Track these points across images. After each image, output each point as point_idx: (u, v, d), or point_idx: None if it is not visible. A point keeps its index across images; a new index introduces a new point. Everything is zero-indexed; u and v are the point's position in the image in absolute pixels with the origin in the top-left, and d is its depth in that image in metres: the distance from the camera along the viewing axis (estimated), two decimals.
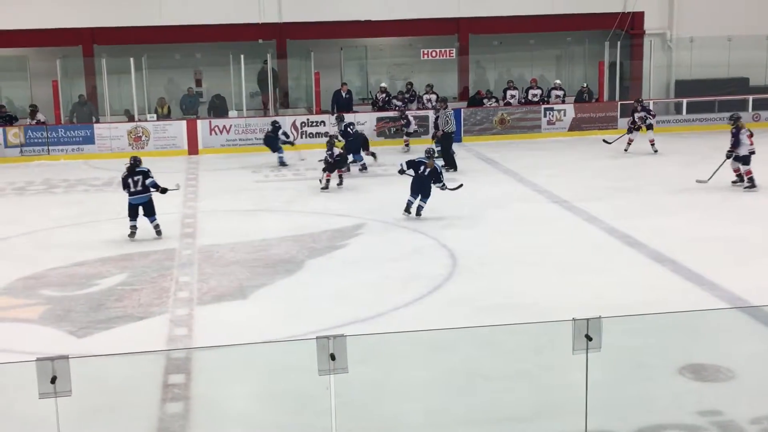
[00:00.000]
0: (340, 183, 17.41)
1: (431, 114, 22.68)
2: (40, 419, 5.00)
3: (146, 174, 13.50)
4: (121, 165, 20.08)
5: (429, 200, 14.41)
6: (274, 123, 20.64)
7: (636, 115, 20.99)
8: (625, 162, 19.81)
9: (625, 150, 20.79)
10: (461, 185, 15.19)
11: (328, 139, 17.96)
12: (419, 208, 14.29)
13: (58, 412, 4.75)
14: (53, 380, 4.56)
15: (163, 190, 13.64)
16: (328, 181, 17.09)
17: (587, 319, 5.08)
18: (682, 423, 7.00)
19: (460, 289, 10.81)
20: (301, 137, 22.42)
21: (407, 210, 14.28)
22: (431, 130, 21.85)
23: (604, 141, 21.27)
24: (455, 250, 12.49)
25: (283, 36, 24.87)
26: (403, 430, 7.04)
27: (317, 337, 4.90)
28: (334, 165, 17.08)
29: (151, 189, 13.47)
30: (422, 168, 14.27)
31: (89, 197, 17.33)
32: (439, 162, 15.60)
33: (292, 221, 14.63)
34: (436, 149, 16.24)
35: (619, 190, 16.54)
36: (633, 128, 20.90)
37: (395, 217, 14.52)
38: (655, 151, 20.58)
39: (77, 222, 15.00)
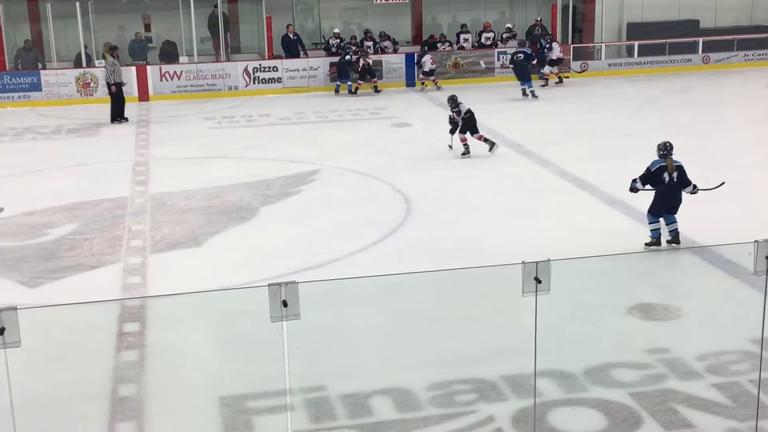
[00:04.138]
0: (377, 90, 21.72)
1: (384, 58, 22.72)
2: None
3: None
4: (70, 112, 19.99)
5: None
6: (524, 52, 21.08)
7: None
8: (578, 106, 19.92)
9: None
10: (723, 183, 10.78)
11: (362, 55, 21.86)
12: (675, 233, 9.97)
13: (7, 363, 4.72)
14: (1, 331, 4.51)
15: None
16: (357, 88, 21.53)
17: (536, 262, 5.15)
18: (630, 361, 7.16)
19: (414, 234, 10.86)
20: (254, 83, 22.17)
21: (657, 242, 10.00)
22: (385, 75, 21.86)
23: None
24: (409, 195, 12.53)
25: None
26: (357, 374, 7.13)
27: (269, 285, 4.90)
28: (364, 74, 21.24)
29: None
30: (665, 175, 9.94)
31: (38, 145, 17.03)
32: None
33: (246, 168, 14.54)
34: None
35: (572, 133, 16.65)
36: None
37: (349, 162, 14.52)
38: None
39: (26, 171, 14.75)
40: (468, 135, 14.69)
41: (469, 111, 14.71)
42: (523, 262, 5.20)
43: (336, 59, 22.64)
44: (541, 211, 11.65)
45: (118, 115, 19.00)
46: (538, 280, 5.16)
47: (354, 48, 22.98)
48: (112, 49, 19.50)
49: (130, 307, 8.46)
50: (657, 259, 9.72)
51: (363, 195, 12.75)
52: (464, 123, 14.66)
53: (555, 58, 22.60)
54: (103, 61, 19.73)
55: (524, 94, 20.79)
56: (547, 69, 22.55)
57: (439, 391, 6.74)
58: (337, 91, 22.06)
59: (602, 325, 8.02)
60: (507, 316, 7.57)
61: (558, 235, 10.51)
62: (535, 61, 21.62)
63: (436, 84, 22.33)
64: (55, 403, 6.72)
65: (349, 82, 21.94)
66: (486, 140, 14.76)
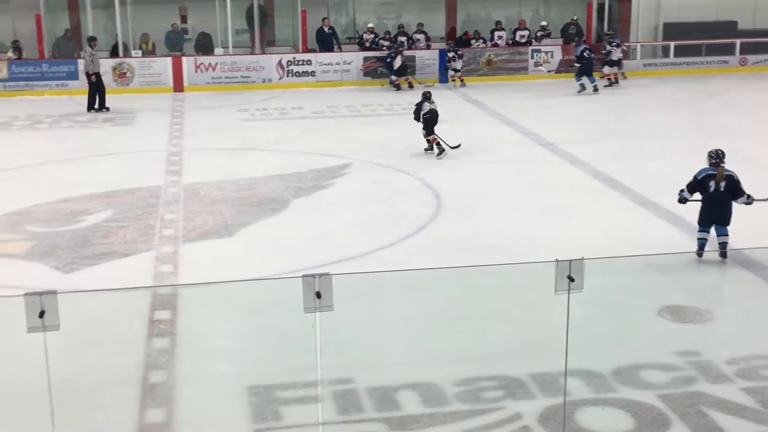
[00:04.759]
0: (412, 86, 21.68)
1: (417, 54, 22.83)
2: (29, 353, 5.07)
3: None
4: (107, 101, 20.17)
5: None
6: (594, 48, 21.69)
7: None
8: (611, 105, 19.81)
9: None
10: None
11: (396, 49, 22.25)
12: (723, 246, 9.47)
13: (46, 346, 4.81)
14: (41, 314, 4.60)
15: None
16: (398, 85, 21.73)
17: (570, 261, 5.15)
18: (659, 363, 7.13)
19: (445, 229, 10.88)
20: (287, 76, 22.28)
21: (698, 252, 9.55)
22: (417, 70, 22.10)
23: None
24: (440, 191, 12.54)
25: None
26: (386, 368, 7.15)
27: (303, 276, 4.95)
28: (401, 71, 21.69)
29: None
30: (711, 183, 9.56)
31: (74, 133, 17.22)
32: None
33: (279, 160, 14.62)
34: None
35: (605, 133, 16.57)
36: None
37: (381, 157, 14.55)
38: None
39: (62, 158, 14.93)
40: (434, 134, 14.64)
41: (430, 112, 14.66)
42: (556, 260, 5.21)
43: (371, 54, 22.77)
44: (573, 210, 11.61)
45: (100, 104, 19.36)
46: (571, 279, 5.17)
47: (387, 44, 23.03)
48: (90, 40, 19.82)
49: (162, 295, 8.55)
50: (689, 262, 9.65)
51: (394, 189, 12.78)
52: (425, 122, 14.68)
53: (616, 59, 22.47)
54: (83, 52, 20.06)
55: (583, 88, 21.00)
56: (606, 69, 22.35)
57: (466, 386, 6.75)
58: (392, 83, 22.22)
59: (632, 325, 7.99)
60: (537, 314, 7.57)
61: (588, 235, 10.47)
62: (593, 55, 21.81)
63: (461, 80, 22.41)
64: (87, 386, 6.81)
65: (394, 77, 22.17)
66: (429, 145, 14.70)
